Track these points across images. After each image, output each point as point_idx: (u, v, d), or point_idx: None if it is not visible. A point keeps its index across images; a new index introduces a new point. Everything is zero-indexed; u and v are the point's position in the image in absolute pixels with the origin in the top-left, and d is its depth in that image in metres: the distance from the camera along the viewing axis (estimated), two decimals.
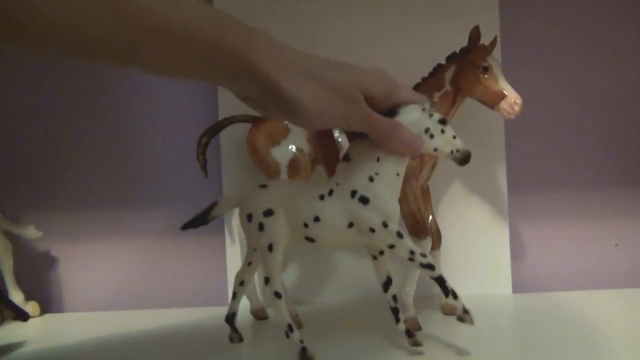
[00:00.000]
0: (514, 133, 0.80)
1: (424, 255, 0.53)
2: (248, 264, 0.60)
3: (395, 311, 0.56)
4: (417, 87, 0.71)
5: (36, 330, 0.74)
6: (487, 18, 0.79)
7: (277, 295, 0.55)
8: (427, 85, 0.70)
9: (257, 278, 0.79)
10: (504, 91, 0.65)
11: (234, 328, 0.62)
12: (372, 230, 0.52)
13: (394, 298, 0.56)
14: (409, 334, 0.56)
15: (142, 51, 0.39)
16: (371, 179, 0.52)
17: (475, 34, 0.66)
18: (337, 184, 0.53)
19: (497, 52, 0.71)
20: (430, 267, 0.53)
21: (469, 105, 0.71)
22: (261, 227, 0.54)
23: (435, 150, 0.53)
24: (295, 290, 0.79)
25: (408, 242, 0.52)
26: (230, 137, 0.79)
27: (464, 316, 0.55)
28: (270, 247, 0.54)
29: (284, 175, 0.68)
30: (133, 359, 0.60)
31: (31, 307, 0.80)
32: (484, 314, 0.68)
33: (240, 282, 0.61)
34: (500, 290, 0.81)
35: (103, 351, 0.63)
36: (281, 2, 0.81)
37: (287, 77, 0.45)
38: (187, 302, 0.84)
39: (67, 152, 0.86)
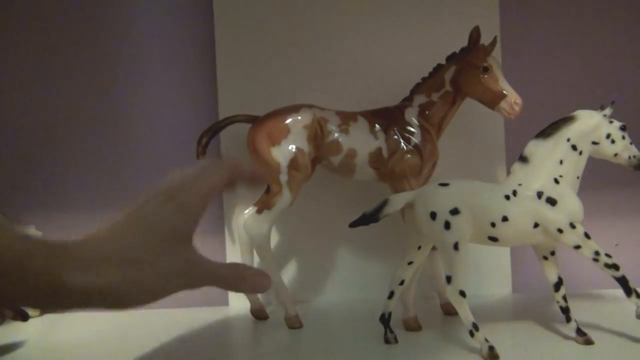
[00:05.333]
0: (514, 133, 0.80)
1: (608, 256, 0.55)
2: (409, 263, 0.60)
3: (565, 310, 0.58)
4: (417, 87, 0.71)
5: (36, 330, 0.74)
6: (487, 18, 0.79)
7: (462, 294, 0.55)
8: (427, 85, 0.70)
9: None
10: (504, 91, 0.66)
11: (389, 328, 0.60)
12: (560, 231, 0.55)
13: (564, 298, 0.58)
14: (580, 332, 0.57)
15: None
16: (556, 181, 0.55)
17: (475, 34, 0.66)
18: (520, 185, 0.56)
19: (497, 52, 0.71)
20: (614, 267, 0.55)
21: (469, 105, 0.71)
22: (447, 225, 0.55)
23: (615, 155, 0.56)
24: (295, 290, 0.79)
25: (593, 243, 0.55)
26: (230, 137, 0.79)
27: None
28: (456, 246, 0.55)
29: (284, 175, 0.68)
30: (133, 359, 0.60)
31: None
32: (484, 314, 0.68)
33: (400, 282, 0.60)
34: (500, 290, 0.81)
35: (103, 351, 0.63)
36: (281, 3, 0.81)
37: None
38: (187, 302, 0.84)
39: (67, 152, 0.85)
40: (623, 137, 0.57)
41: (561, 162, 0.56)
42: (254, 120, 0.71)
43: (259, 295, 0.75)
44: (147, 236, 0.43)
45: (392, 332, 0.60)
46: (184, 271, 0.44)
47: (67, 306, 0.40)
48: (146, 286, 0.42)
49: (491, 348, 0.53)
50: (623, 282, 0.55)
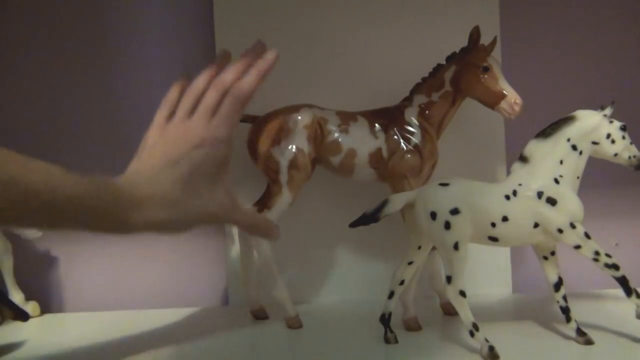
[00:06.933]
0: (514, 133, 0.80)
1: (608, 256, 0.55)
2: (409, 263, 0.60)
3: (565, 310, 0.58)
4: (417, 87, 0.71)
5: (36, 330, 0.74)
6: (487, 18, 0.79)
7: (462, 294, 0.55)
8: (427, 85, 0.70)
9: (257, 276, 0.79)
10: (504, 91, 0.66)
11: (389, 328, 0.60)
12: (560, 231, 0.55)
13: (564, 298, 0.58)
14: (580, 332, 0.57)
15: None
16: (556, 181, 0.55)
17: (475, 34, 0.66)
18: (520, 185, 0.56)
19: (497, 52, 0.71)
20: (614, 267, 0.55)
21: (469, 105, 0.71)
22: (447, 225, 0.55)
23: (615, 155, 0.57)
24: (295, 290, 0.79)
25: (594, 243, 0.55)
26: None
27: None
28: (456, 246, 0.55)
29: (284, 175, 0.68)
30: (133, 359, 0.60)
31: (31, 307, 0.80)
32: (484, 314, 0.68)
33: (400, 282, 0.60)
34: (500, 290, 0.81)
35: (103, 351, 0.63)
36: (281, 2, 0.81)
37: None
38: (187, 302, 0.84)
39: (67, 152, 0.85)
40: (623, 137, 0.57)
41: (561, 162, 0.57)
42: (254, 120, 0.71)
43: (259, 296, 0.75)
44: (185, 179, 0.51)
45: (392, 332, 0.60)
46: (214, 213, 0.52)
47: (127, 234, 0.48)
48: (184, 222, 0.51)
49: (491, 348, 0.53)
50: (623, 282, 0.55)
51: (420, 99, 0.70)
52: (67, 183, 0.45)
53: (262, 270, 0.69)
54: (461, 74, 0.68)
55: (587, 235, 0.55)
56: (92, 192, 0.46)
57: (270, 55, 0.61)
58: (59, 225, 0.46)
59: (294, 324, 0.68)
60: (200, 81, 0.61)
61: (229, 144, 0.56)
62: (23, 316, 0.70)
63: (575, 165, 0.57)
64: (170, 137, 0.56)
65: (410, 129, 0.70)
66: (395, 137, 0.69)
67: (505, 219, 0.55)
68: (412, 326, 0.64)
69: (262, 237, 0.60)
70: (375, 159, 0.69)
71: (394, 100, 0.73)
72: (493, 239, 0.56)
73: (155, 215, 0.49)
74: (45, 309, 0.83)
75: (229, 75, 0.60)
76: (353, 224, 0.59)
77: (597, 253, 0.55)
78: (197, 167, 0.52)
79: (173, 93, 0.62)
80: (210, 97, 0.59)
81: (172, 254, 0.85)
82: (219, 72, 0.62)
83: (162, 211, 0.49)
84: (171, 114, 0.60)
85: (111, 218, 0.47)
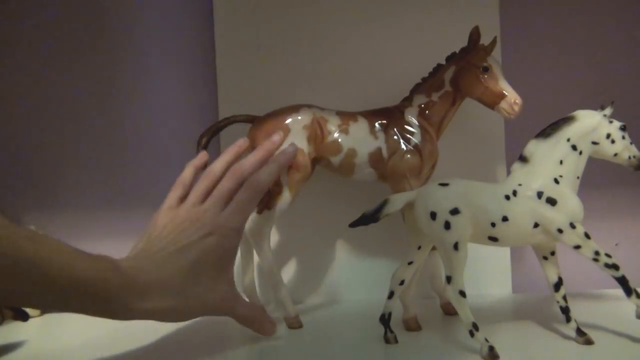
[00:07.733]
0: (514, 133, 0.80)
1: (608, 256, 0.55)
2: (409, 263, 0.60)
3: (565, 310, 0.58)
4: (417, 87, 0.71)
5: (36, 330, 0.74)
6: (487, 18, 0.79)
7: (462, 294, 0.55)
8: (427, 85, 0.70)
9: (256, 276, 0.79)
10: (504, 91, 0.66)
11: (389, 328, 0.60)
12: (560, 231, 0.55)
13: (564, 298, 0.58)
14: (580, 332, 0.57)
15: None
16: (556, 181, 0.55)
17: (475, 34, 0.66)
18: (520, 185, 0.56)
19: (497, 52, 0.71)
20: (614, 267, 0.55)
21: (469, 105, 0.71)
22: (447, 225, 0.54)
23: (615, 155, 0.57)
24: (295, 290, 0.79)
25: (594, 243, 0.55)
26: (230, 137, 0.79)
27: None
28: (456, 246, 0.54)
29: (283, 175, 0.67)
30: (133, 359, 0.60)
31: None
32: (484, 314, 0.68)
33: (400, 282, 0.60)
34: (500, 290, 0.81)
35: (103, 351, 0.63)
36: (281, 3, 0.81)
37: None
38: None
39: (67, 152, 0.86)
40: (623, 137, 0.57)
41: (561, 162, 0.57)
42: (254, 120, 0.71)
43: (259, 296, 0.75)
44: (191, 267, 0.51)
45: (392, 332, 0.60)
46: (215, 305, 0.52)
47: (124, 320, 0.49)
48: (186, 312, 0.51)
49: (491, 348, 0.53)
50: (623, 282, 0.55)
51: (420, 99, 0.70)
52: (76, 265, 0.44)
53: (262, 270, 0.69)
54: (461, 74, 0.68)
55: (587, 235, 0.55)
56: (99, 277, 0.46)
57: (290, 149, 0.60)
58: (60, 306, 0.46)
59: (294, 324, 0.68)
60: (216, 166, 0.59)
61: (239, 234, 0.55)
62: (23, 316, 0.70)
63: (575, 165, 0.57)
64: (181, 221, 0.54)
65: (410, 129, 0.70)
66: (395, 137, 0.69)
67: (505, 219, 0.55)
68: (412, 326, 0.64)
69: (258, 332, 0.60)
70: (375, 158, 0.69)
71: (394, 100, 0.73)
72: (493, 239, 0.56)
73: (157, 303, 0.48)
74: None
75: (246, 164, 0.59)
76: (353, 224, 0.59)
77: (597, 253, 0.55)
78: (204, 255, 0.51)
79: (187, 173, 0.60)
80: (226, 184, 0.57)
81: None
82: (234, 157, 0.61)
83: (164, 300, 0.49)
84: (183, 197, 0.58)
85: (113, 304, 0.46)
